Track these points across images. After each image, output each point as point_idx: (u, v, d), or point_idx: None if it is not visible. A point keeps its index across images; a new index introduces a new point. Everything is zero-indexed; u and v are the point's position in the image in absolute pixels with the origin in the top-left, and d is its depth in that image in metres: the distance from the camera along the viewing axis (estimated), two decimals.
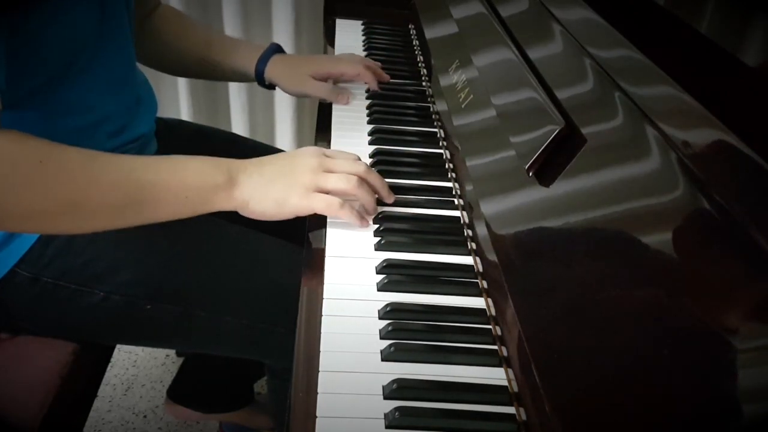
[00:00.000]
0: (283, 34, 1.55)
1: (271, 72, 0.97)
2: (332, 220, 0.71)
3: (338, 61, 1.01)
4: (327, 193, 0.68)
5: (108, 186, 0.64)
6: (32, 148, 0.62)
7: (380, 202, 0.74)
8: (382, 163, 0.83)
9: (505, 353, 0.56)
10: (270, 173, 0.68)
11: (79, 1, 0.70)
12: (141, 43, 0.99)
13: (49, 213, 0.63)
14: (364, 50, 1.18)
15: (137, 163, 0.66)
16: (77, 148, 0.64)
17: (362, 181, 0.70)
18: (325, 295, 0.62)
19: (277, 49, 0.99)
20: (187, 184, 0.66)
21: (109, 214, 0.65)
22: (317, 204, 0.67)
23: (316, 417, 0.49)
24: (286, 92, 1.00)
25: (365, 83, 1.01)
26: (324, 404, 0.51)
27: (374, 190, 0.72)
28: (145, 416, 1.39)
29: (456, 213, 0.75)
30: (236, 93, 1.62)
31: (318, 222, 0.72)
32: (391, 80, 1.03)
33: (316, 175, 0.68)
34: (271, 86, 1.00)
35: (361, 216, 0.69)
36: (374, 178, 0.72)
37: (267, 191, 0.67)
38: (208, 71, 1.02)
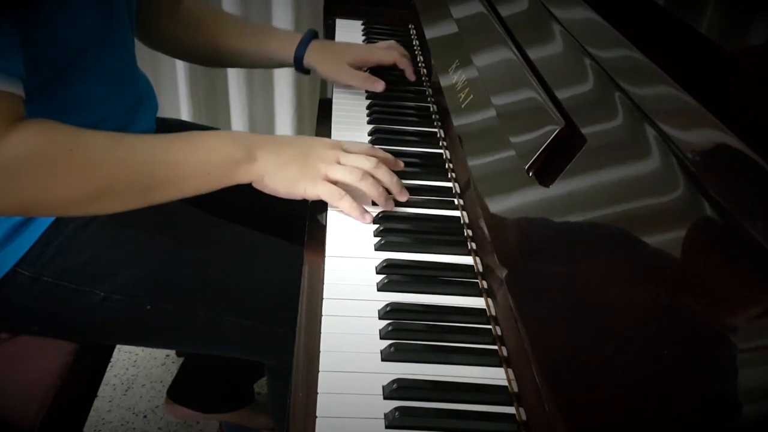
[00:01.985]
0: None
1: (310, 58, 0.99)
2: (333, 223, 0.71)
3: (374, 49, 1.04)
4: (335, 183, 0.71)
5: (136, 169, 0.67)
6: (61, 137, 0.64)
7: (397, 203, 0.75)
8: None
9: (505, 353, 0.56)
10: (287, 155, 0.71)
11: (81, 4, 0.70)
12: (173, 39, 1.00)
13: (82, 199, 0.67)
14: None
15: (160, 143, 0.70)
16: (103, 132, 0.67)
17: (368, 175, 0.72)
18: (325, 295, 0.62)
19: (314, 35, 1.01)
20: (209, 161, 0.70)
21: (137, 195, 0.69)
22: (322, 191, 0.71)
23: (316, 417, 0.49)
24: (322, 77, 1.02)
25: (402, 70, 1.04)
26: (324, 404, 0.51)
27: (384, 187, 0.74)
28: (145, 416, 1.39)
29: (456, 213, 0.75)
30: (236, 93, 1.62)
31: (318, 222, 0.72)
32: (392, 80, 1.03)
33: (327, 165, 0.72)
34: (306, 71, 1.01)
35: (362, 210, 0.71)
36: (382, 173, 0.73)
37: (281, 171, 0.71)
38: (242, 60, 1.03)
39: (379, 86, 0.99)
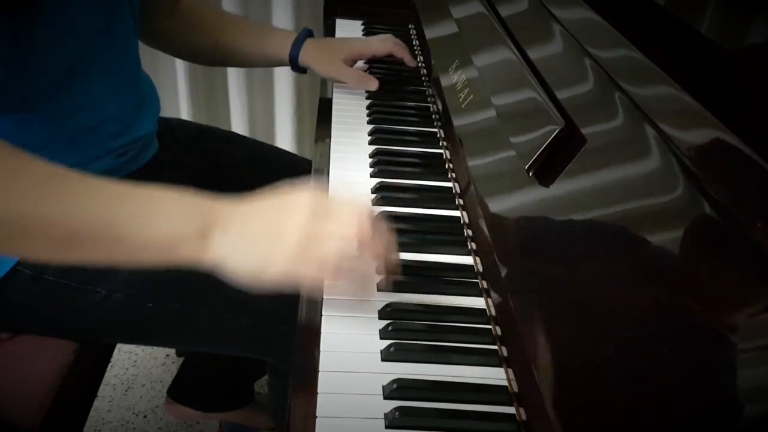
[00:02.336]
0: None
1: (305, 56, 0.98)
2: None
3: (369, 43, 1.03)
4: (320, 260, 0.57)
5: (60, 214, 0.56)
6: None
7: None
8: (382, 163, 0.83)
9: (505, 353, 0.56)
10: (253, 232, 0.57)
11: (83, 4, 0.70)
12: (173, 37, 1.00)
13: None
14: None
15: (101, 194, 0.57)
16: (46, 164, 0.57)
17: (363, 243, 0.57)
18: (324, 295, 0.62)
19: (309, 33, 1.01)
20: (149, 230, 0.56)
21: (56, 245, 0.57)
22: (305, 273, 0.57)
23: (316, 417, 0.49)
24: (320, 75, 1.02)
25: (399, 59, 1.03)
26: (324, 404, 0.51)
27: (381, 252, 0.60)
28: (145, 416, 1.39)
29: (456, 213, 0.75)
30: (236, 93, 1.62)
31: None
32: (391, 80, 1.03)
33: (307, 240, 0.56)
34: (302, 70, 1.01)
35: (362, 286, 0.59)
36: (381, 236, 0.59)
37: (245, 254, 0.57)
38: (239, 59, 1.03)
39: (373, 85, 0.99)
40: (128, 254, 0.58)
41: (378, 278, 0.62)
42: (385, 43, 1.02)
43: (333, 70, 0.99)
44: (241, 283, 0.57)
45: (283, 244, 0.56)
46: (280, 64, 1.02)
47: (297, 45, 0.98)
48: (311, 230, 0.56)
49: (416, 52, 1.17)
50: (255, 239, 0.57)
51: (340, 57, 0.99)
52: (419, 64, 1.13)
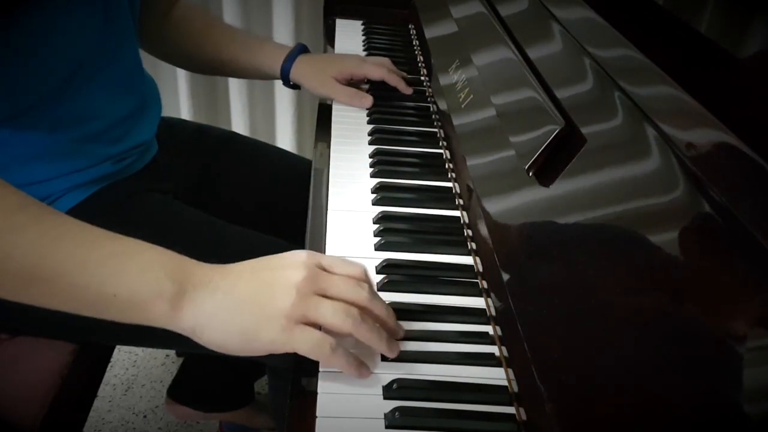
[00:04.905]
0: (283, 34, 1.55)
1: (296, 72, 0.97)
2: (333, 223, 0.71)
3: (363, 63, 0.99)
4: (316, 325, 0.52)
5: (21, 248, 0.51)
6: None
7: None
8: (382, 163, 0.83)
9: (505, 353, 0.56)
10: (242, 295, 0.52)
11: (80, 9, 0.69)
12: (163, 42, 0.99)
13: None
14: (364, 50, 1.18)
15: (70, 235, 0.53)
16: (19, 194, 0.53)
17: (364, 313, 0.53)
18: None
19: (303, 49, 0.99)
20: (117, 282, 0.51)
21: (7, 281, 0.52)
22: (300, 343, 0.51)
23: (316, 417, 0.49)
24: (311, 92, 1.00)
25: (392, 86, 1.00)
26: (324, 404, 0.51)
27: (379, 322, 0.55)
28: (145, 416, 1.39)
29: (456, 213, 0.75)
30: (236, 92, 1.63)
31: (318, 222, 0.72)
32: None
33: (302, 301, 0.52)
34: (296, 86, 0.99)
35: (360, 363, 0.53)
36: (380, 307, 0.55)
37: (231, 319, 0.51)
38: (231, 69, 1.01)
39: (367, 102, 0.96)
40: (90, 307, 0.52)
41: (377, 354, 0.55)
42: (379, 69, 0.98)
43: (323, 86, 0.97)
44: (223, 350, 0.53)
45: (274, 306, 0.51)
46: (271, 77, 1.00)
47: (289, 60, 0.96)
48: (306, 288, 0.52)
49: (416, 52, 1.17)
50: (242, 302, 0.52)
51: (331, 74, 0.97)
52: (419, 65, 1.13)
